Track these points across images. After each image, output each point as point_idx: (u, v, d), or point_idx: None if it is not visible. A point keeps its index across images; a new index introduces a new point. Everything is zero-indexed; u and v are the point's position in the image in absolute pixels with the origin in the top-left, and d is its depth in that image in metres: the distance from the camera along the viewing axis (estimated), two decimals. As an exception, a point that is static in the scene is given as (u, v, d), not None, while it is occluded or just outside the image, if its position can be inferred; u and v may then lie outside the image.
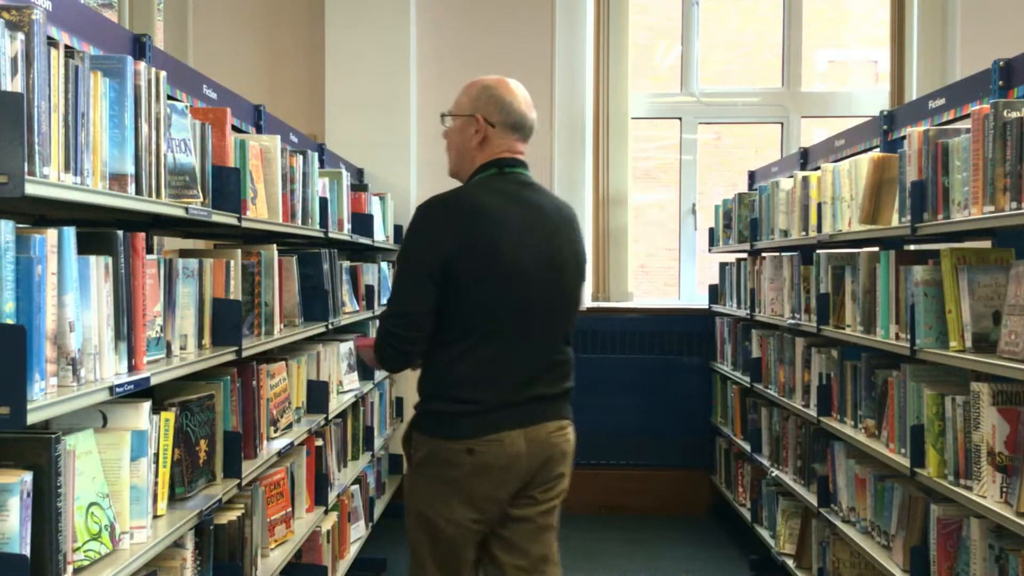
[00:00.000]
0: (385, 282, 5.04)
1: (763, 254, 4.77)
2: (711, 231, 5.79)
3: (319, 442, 3.64)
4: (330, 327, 3.68)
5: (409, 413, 6.05)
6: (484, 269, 2.40)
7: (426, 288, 2.39)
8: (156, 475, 2.15)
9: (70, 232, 1.77)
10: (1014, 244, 2.82)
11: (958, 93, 3.00)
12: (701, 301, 5.94)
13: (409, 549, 2.57)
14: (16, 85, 1.60)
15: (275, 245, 3.11)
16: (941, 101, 3.10)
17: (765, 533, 4.49)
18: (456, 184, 2.61)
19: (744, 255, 5.10)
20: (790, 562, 4.08)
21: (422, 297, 2.39)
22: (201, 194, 2.44)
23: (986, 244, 2.99)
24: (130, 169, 2.00)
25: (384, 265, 5.06)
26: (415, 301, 2.41)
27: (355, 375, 4.26)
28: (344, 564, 3.97)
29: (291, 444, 3.10)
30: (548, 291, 2.50)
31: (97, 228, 1.98)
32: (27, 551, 1.63)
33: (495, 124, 2.51)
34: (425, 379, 2.52)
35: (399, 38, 5.60)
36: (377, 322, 4.88)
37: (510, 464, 2.46)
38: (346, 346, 4.16)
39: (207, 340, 2.52)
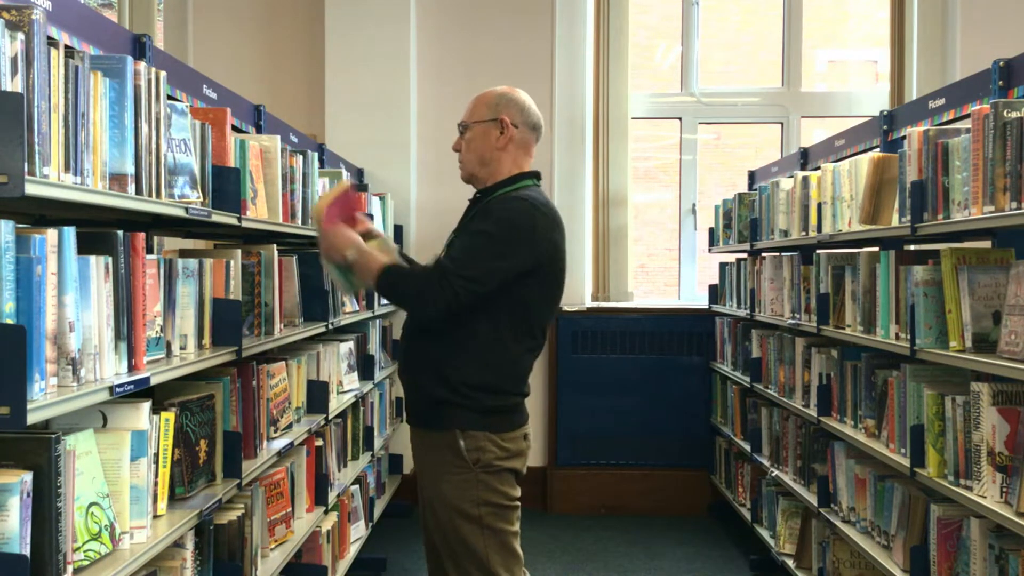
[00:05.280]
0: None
1: (763, 254, 4.77)
2: (711, 231, 5.79)
3: (319, 442, 3.64)
4: (330, 327, 3.68)
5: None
6: (557, 277, 2.66)
7: (504, 278, 2.52)
8: (156, 475, 2.15)
9: (70, 232, 1.77)
10: (1014, 244, 2.82)
11: (958, 93, 3.00)
12: (701, 301, 5.93)
13: (476, 547, 2.59)
14: (16, 85, 1.60)
15: (275, 245, 3.11)
16: (941, 101, 3.10)
17: (765, 533, 4.49)
18: (461, 187, 2.83)
19: (744, 255, 5.10)
20: (790, 562, 4.08)
21: (496, 281, 2.51)
22: (201, 194, 2.44)
23: (986, 244, 2.99)
24: (130, 169, 2.00)
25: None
26: (490, 281, 2.51)
27: (355, 375, 4.26)
28: (344, 564, 3.97)
29: (291, 444, 3.09)
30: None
31: (97, 228, 1.98)
32: (27, 551, 1.63)
33: (518, 125, 2.69)
34: (486, 372, 2.58)
35: (399, 37, 5.60)
36: (378, 322, 4.89)
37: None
38: (346, 346, 4.16)
39: (207, 340, 2.52)
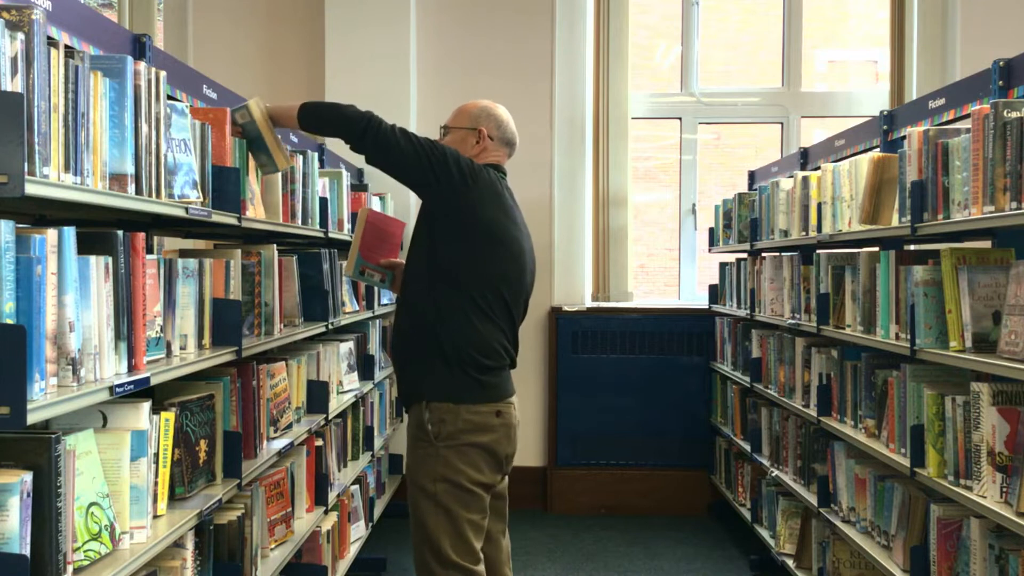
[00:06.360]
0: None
1: (763, 254, 4.77)
2: (711, 231, 5.79)
3: (319, 442, 3.64)
4: (330, 327, 3.68)
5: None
6: (494, 249, 2.72)
7: (446, 167, 2.66)
8: (156, 475, 2.15)
9: (70, 232, 1.77)
10: (1014, 244, 2.82)
11: (958, 93, 3.00)
12: (701, 301, 5.94)
13: (429, 527, 2.65)
14: (16, 85, 1.60)
15: (275, 245, 3.11)
16: (941, 101, 3.10)
17: (765, 533, 4.49)
18: None
19: (744, 255, 5.10)
20: (790, 562, 4.08)
21: (417, 157, 2.66)
22: (201, 194, 2.44)
23: (986, 244, 2.99)
24: (130, 169, 2.00)
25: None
26: (415, 147, 2.67)
27: (355, 375, 4.26)
28: (344, 564, 3.97)
29: (291, 444, 3.09)
30: (526, 280, 2.87)
31: (97, 228, 1.98)
32: (27, 551, 1.63)
33: (494, 138, 2.89)
34: (446, 341, 2.68)
35: (399, 37, 5.60)
36: (378, 322, 4.89)
37: (517, 425, 2.79)
38: (346, 346, 4.16)
39: (207, 340, 2.52)
